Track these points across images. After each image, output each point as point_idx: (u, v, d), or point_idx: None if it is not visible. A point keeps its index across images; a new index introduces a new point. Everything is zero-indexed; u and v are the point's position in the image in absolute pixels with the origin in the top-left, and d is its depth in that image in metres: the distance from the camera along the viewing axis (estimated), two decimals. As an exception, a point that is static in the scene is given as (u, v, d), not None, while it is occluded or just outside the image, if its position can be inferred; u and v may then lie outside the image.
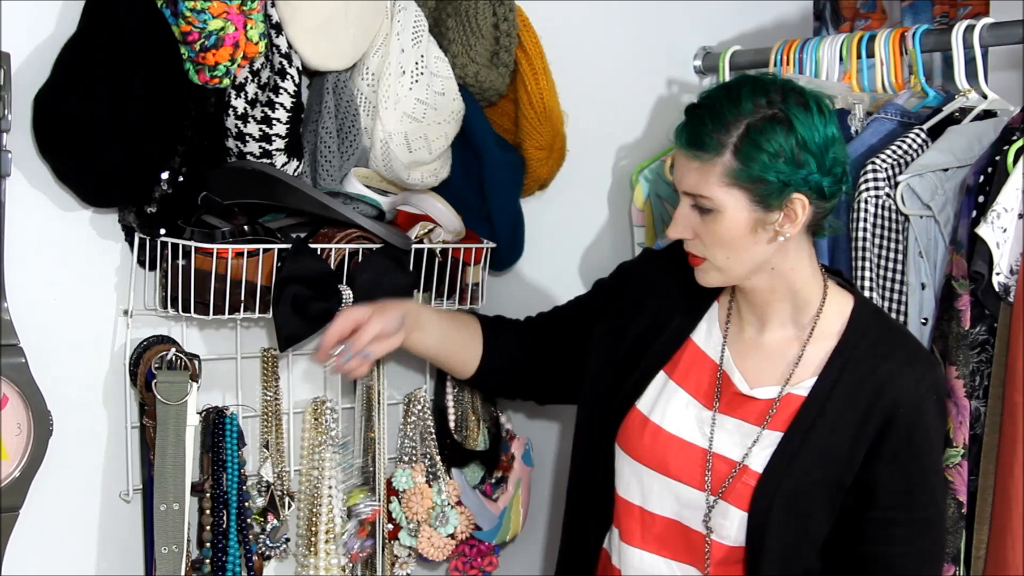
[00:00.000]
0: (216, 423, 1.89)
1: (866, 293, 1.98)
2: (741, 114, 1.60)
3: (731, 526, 1.67)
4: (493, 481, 2.20)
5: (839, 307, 1.73)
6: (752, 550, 1.66)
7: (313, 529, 1.98)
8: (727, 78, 2.44)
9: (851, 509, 1.67)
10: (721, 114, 1.60)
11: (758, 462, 1.67)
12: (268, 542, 1.92)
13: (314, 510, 1.99)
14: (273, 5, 1.84)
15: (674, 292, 1.83)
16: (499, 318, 2.03)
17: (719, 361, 1.77)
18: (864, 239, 2.00)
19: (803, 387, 1.70)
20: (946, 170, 2.00)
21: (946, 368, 1.91)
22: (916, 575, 1.68)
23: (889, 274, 2.02)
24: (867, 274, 1.99)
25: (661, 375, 1.79)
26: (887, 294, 2.01)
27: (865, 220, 2.00)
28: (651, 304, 1.85)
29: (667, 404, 1.76)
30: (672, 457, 1.73)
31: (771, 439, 1.68)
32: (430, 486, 2.09)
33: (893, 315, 2.00)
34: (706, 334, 1.80)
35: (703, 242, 1.66)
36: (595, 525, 1.84)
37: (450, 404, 2.17)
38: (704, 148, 1.61)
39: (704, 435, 1.72)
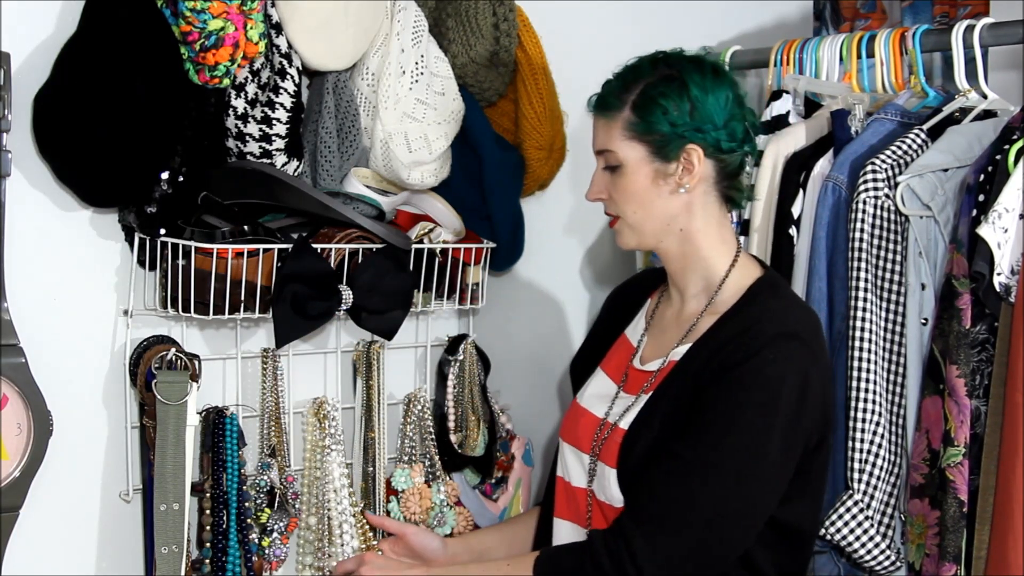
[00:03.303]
0: (216, 423, 1.89)
1: (861, 294, 1.99)
2: (640, 76, 1.75)
3: (611, 485, 1.73)
4: (493, 481, 2.21)
5: (741, 279, 1.79)
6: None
7: (314, 529, 1.99)
8: (727, 78, 2.45)
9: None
10: (623, 77, 1.77)
11: (625, 422, 1.75)
12: (276, 553, 1.94)
13: (316, 510, 1.99)
14: (273, 5, 1.84)
15: (622, 307, 1.98)
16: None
17: (635, 344, 1.88)
18: (861, 240, 2.00)
19: (679, 353, 1.76)
20: (946, 170, 2.00)
21: (947, 367, 1.91)
22: (671, 507, 1.64)
23: (887, 275, 2.02)
24: (863, 275, 2.00)
25: (598, 369, 1.91)
26: (884, 295, 2.01)
27: (863, 221, 2.00)
28: (608, 326, 1.98)
29: (589, 387, 1.89)
30: (580, 428, 1.84)
31: (642, 402, 1.76)
32: (429, 486, 2.09)
33: (890, 316, 2.00)
34: (634, 326, 1.93)
35: (615, 200, 1.78)
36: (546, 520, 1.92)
37: (450, 404, 2.17)
38: (608, 107, 1.77)
39: (604, 408, 1.82)
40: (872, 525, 1.97)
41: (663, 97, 1.72)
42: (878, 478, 1.98)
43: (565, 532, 1.83)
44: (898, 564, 2.00)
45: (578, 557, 1.67)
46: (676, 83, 1.72)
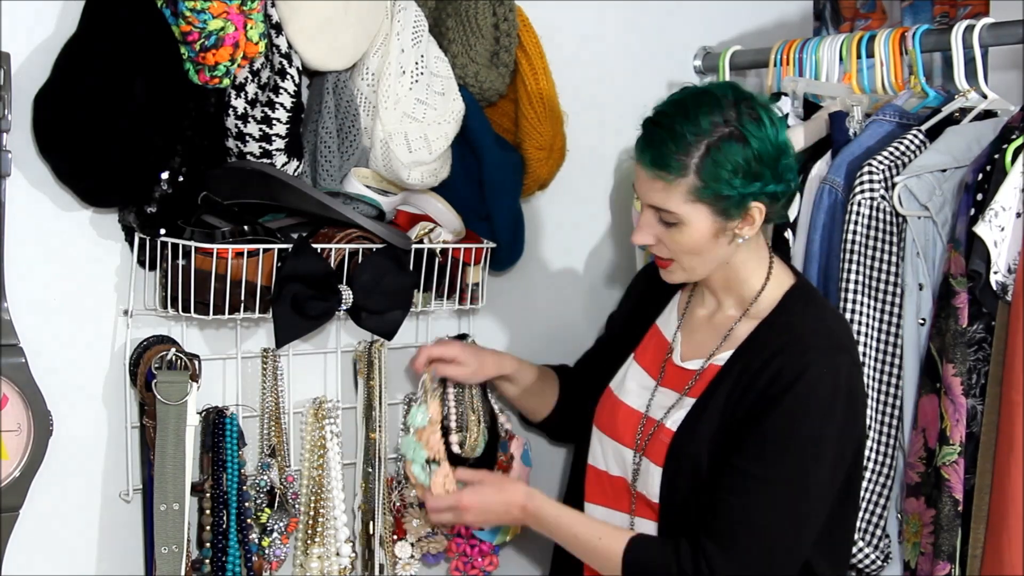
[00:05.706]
0: (216, 423, 1.89)
1: (851, 295, 1.99)
2: (700, 134, 1.71)
3: (654, 482, 1.80)
4: (493, 481, 2.20)
5: (776, 288, 1.85)
6: (665, 503, 1.80)
7: (314, 529, 1.99)
8: (727, 78, 2.44)
9: (720, 458, 1.76)
10: (681, 135, 1.71)
11: (672, 422, 1.82)
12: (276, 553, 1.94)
13: (315, 510, 1.99)
14: (273, 5, 1.84)
15: (652, 291, 2.02)
16: (569, 369, 2.20)
17: (671, 340, 1.94)
18: (854, 241, 2.00)
19: (722, 359, 1.83)
20: (944, 171, 2.00)
21: (943, 365, 1.91)
22: (742, 522, 1.72)
23: (882, 275, 2.02)
24: (855, 276, 2.00)
25: (630, 358, 1.98)
26: (879, 295, 2.01)
27: (857, 223, 2.00)
28: (639, 310, 2.04)
29: (626, 379, 1.95)
30: (619, 421, 1.91)
31: (687, 404, 1.82)
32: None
33: (885, 316, 2.01)
34: (666, 318, 1.98)
35: (669, 249, 1.80)
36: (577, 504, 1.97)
37: (450, 404, 2.17)
38: (668, 169, 1.72)
39: (644, 402, 1.89)
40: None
41: (728, 160, 1.70)
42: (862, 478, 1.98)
43: (599, 517, 1.91)
44: (881, 564, 2.01)
45: (669, 555, 1.73)
46: (738, 142, 1.70)
